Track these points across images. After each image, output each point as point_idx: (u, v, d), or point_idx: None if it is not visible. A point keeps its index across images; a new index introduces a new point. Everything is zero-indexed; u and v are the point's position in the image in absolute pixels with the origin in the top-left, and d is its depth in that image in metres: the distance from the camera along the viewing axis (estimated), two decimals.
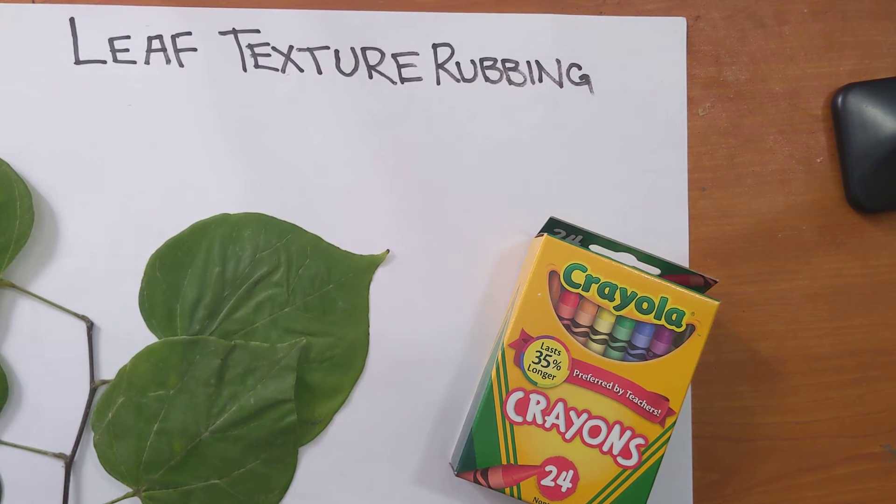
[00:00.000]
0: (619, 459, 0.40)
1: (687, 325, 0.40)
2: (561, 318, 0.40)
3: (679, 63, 0.47)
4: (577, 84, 0.47)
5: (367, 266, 0.45)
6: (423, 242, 0.46)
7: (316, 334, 0.44)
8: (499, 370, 0.40)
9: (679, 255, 0.46)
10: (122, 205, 0.45)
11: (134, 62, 0.45)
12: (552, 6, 0.47)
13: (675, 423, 0.40)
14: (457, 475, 0.40)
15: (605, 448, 0.40)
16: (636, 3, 0.47)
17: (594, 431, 0.40)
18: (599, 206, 0.46)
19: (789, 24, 0.48)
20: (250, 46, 0.46)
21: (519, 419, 0.40)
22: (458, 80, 0.46)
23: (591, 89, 0.47)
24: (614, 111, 0.47)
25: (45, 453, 0.43)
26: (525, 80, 0.47)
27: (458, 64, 0.46)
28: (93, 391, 0.44)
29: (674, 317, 0.40)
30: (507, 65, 0.47)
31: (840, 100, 0.47)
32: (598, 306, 0.40)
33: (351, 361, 0.45)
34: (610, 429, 0.40)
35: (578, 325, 0.40)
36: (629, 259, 0.44)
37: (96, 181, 0.45)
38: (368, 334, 0.45)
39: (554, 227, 0.42)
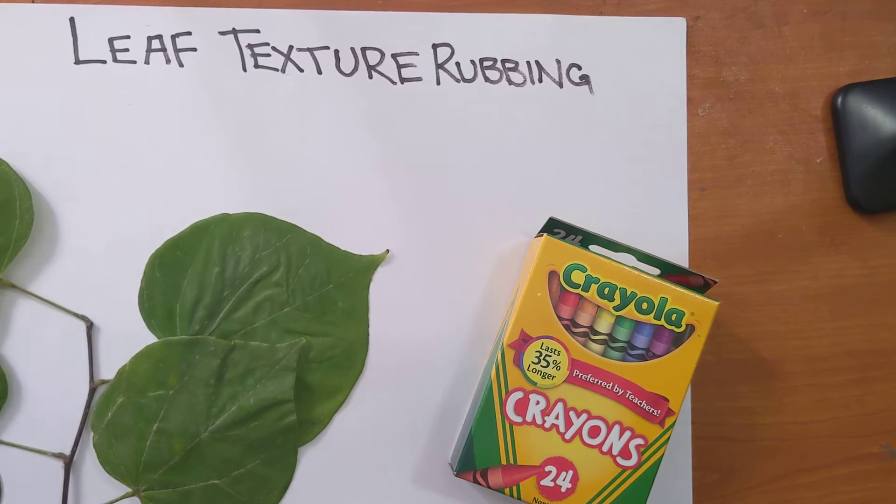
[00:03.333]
0: (619, 460, 0.40)
1: (686, 325, 0.40)
2: (560, 319, 0.40)
3: (679, 63, 0.47)
4: (576, 84, 0.47)
5: (366, 266, 0.45)
6: (423, 242, 0.46)
7: (315, 334, 0.44)
8: (498, 370, 0.40)
9: (679, 255, 0.46)
10: (122, 205, 0.45)
11: (134, 62, 0.45)
12: (552, 6, 0.47)
13: (674, 423, 0.40)
14: (456, 475, 0.40)
15: (605, 448, 0.40)
16: (636, 3, 0.47)
17: (594, 432, 0.40)
18: (599, 206, 0.46)
19: (789, 25, 0.48)
20: (250, 46, 0.46)
21: (518, 419, 0.40)
22: (458, 80, 0.46)
23: (590, 89, 0.47)
24: (614, 111, 0.47)
25: (44, 453, 0.43)
26: (525, 81, 0.47)
27: (458, 64, 0.46)
28: (92, 391, 0.44)
29: (673, 317, 0.40)
30: (507, 65, 0.47)
31: (840, 100, 0.47)
32: (598, 306, 0.40)
33: (350, 362, 0.45)
34: (609, 429, 0.40)
35: (578, 326, 0.40)
36: (629, 259, 0.44)
37: (96, 181, 0.45)
38: (368, 334, 0.45)
39: (554, 227, 0.42)
